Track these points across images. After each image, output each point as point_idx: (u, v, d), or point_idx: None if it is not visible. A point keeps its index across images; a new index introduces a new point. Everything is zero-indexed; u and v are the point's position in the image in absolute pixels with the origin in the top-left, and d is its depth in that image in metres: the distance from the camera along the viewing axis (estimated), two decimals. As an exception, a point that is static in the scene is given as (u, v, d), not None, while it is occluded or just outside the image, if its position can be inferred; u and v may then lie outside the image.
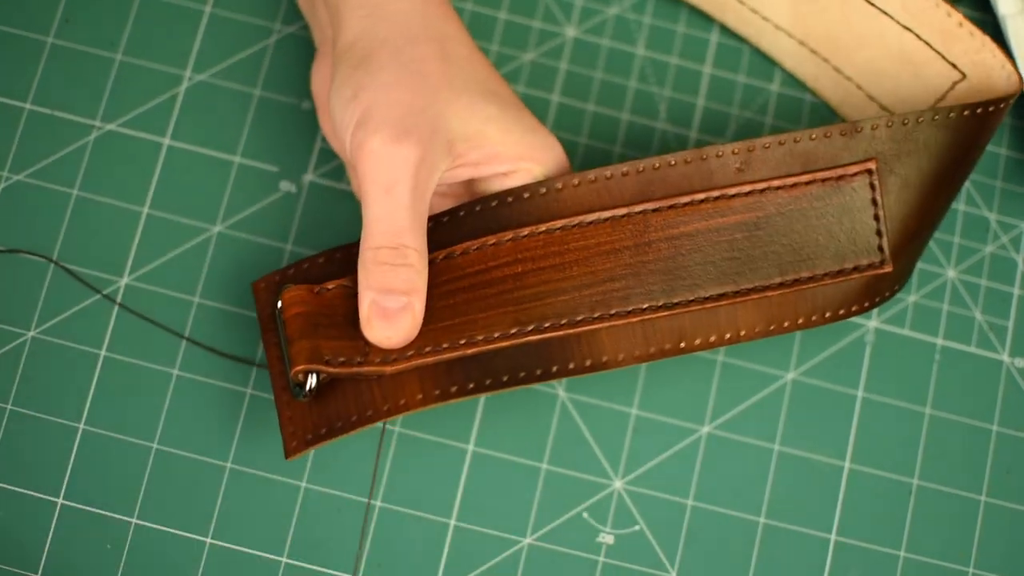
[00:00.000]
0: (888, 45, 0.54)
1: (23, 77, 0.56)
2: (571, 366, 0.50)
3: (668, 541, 0.54)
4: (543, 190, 0.49)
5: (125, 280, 0.55)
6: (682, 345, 0.50)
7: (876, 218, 0.50)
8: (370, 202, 0.46)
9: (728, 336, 0.51)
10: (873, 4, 0.54)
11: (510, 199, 0.49)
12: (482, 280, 0.48)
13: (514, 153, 0.49)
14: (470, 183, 0.51)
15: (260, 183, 0.56)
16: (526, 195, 0.49)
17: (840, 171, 0.49)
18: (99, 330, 0.54)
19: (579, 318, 0.48)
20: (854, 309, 0.51)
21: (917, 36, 0.54)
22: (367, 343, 0.48)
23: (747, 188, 0.49)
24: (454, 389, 0.49)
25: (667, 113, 0.58)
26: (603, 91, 0.58)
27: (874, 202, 0.50)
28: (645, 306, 0.49)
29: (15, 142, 0.56)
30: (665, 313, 0.49)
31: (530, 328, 0.48)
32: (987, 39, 0.52)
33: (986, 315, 0.57)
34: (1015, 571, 0.55)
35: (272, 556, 0.53)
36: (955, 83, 0.54)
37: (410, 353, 0.48)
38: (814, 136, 0.49)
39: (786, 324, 0.51)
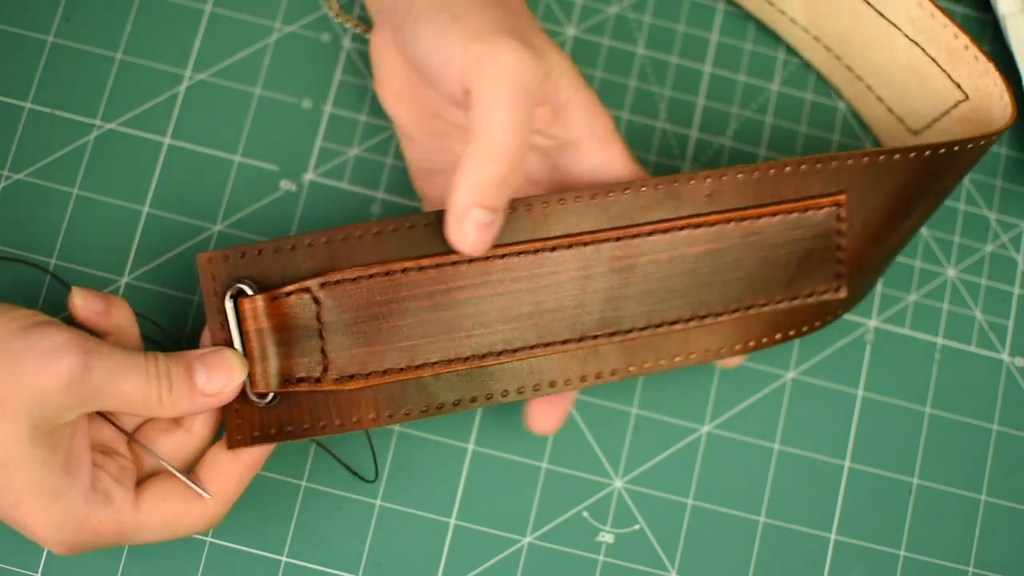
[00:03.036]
0: (897, 55, 0.55)
1: (23, 76, 0.56)
2: (519, 389, 0.49)
3: (668, 540, 0.54)
4: (511, 210, 0.48)
5: (125, 279, 0.55)
6: (631, 369, 0.50)
7: (838, 248, 0.50)
8: (496, 112, 0.45)
9: (677, 359, 0.50)
10: (883, 15, 0.54)
11: None
12: (442, 301, 0.48)
13: (582, 108, 0.49)
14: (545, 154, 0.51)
15: (260, 182, 0.56)
16: None
17: (808, 203, 0.50)
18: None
19: (529, 344, 0.49)
20: (804, 329, 0.51)
21: (924, 51, 0.54)
22: (326, 357, 0.48)
23: (713, 218, 0.49)
24: (405, 411, 0.49)
25: (667, 112, 0.58)
26: (603, 90, 0.58)
27: (838, 233, 0.50)
28: (596, 333, 0.49)
29: (15, 141, 0.56)
30: (618, 339, 0.49)
31: (482, 353, 0.48)
32: (991, 67, 0.52)
33: (986, 314, 0.57)
34: (1015, 571, 0.55)
35: (272, 555, 0.53)
36: (959, 102, 0.54)
37: (367, 372, 0.48)
38: (787, 167, 0.50)
39: (737, 347, 0.51)
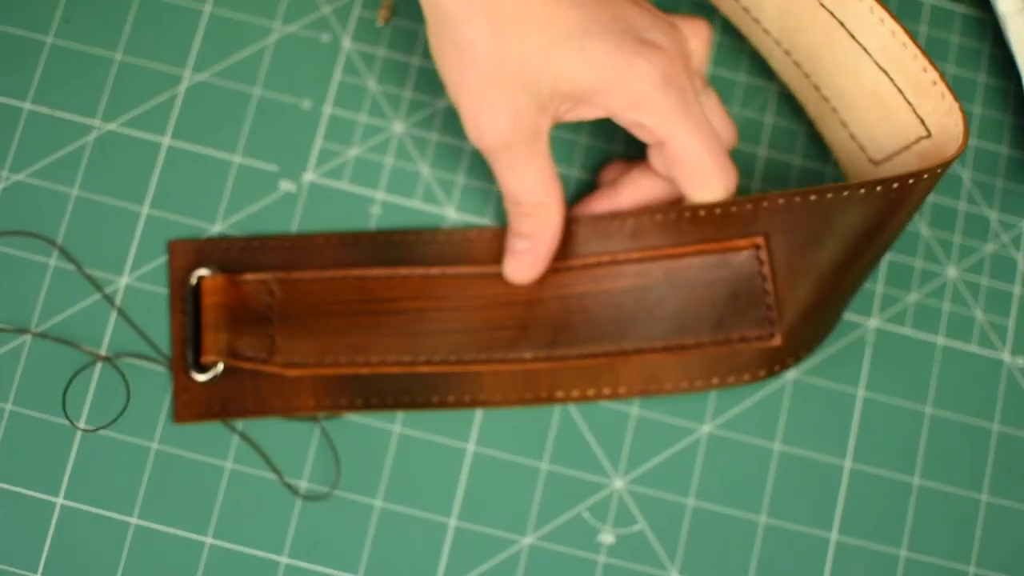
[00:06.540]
0: (863, 81, 0.52)
1: (23, 77, 0.56)
2: (451, 399, 0.53)
3: (669, 541, 0.54)
4: (457, 237, 0.54)
5: (125, 280, 0.55)
6: (559, 395, 0.53)
7: (764, 292, 0.50)
8: (497, 176, 0.52)
9: (607, 392, 0.53)
10: (853, 37, 0.51)
11: (426, 239, 0.54)
12: (389, 308, 0.53)
13: (605, 99, 0.50)
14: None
15: (260, 182, 0.56)
16: (441, 238, 0.54)
17: (727, 244, 0.51)
18: (99, 329, 0.54)
19: (466, 358, 0.53)
20: (746, 378, 0.52)
21: (892, 81, 0.51)
22: (273, 342, 0.53)
23: (636, 255, 0.52)
24: (343, 402, 0.53)
25: (667, 112, 0.58)
26: (603, 90, 0.58)
27: (762, 276, 0.50)
28: (528, 356, 0.52)
29: (15, 142, 0.56)
30: (546, 364, 0.52)
31: (422, 360, 0.53)
32: (956, 106, 0.49)
33: (987, 314, 0.57)
34: (1016, 571, 0.55)
35: (272, 556, 0.53)
36: (920, 138, 0.51)
37: (311, 361, 0.53)
38: (702, 210, 0.51)
39: (668, 386, 0.53)
